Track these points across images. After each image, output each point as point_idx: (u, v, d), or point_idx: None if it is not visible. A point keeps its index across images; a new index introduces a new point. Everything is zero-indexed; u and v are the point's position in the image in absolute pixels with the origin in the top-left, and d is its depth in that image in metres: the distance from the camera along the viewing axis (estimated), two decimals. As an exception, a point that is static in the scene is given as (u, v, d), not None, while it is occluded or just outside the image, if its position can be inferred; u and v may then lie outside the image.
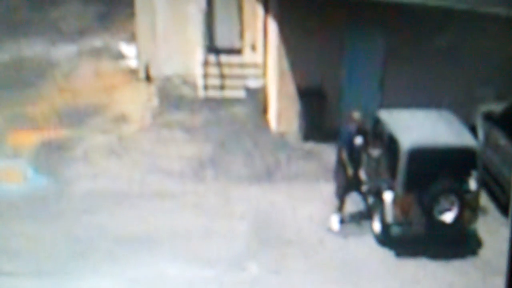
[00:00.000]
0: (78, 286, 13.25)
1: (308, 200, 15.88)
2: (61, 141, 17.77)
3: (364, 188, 15.14)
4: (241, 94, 19.76)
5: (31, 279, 13.35)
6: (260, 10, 20.05)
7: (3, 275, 13.42)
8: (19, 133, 18.01)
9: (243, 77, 20.06)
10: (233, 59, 20.62)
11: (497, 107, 16.86)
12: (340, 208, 15.05)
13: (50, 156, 17.14)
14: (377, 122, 15.17)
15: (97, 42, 23.31)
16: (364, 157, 15.08)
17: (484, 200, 15.37)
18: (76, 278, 13.38)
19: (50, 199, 15.62)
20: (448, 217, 14.07)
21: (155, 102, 20.05)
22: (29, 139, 17.70)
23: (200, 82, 20.50)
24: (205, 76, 20.40)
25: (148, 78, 21.06)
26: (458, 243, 14.57)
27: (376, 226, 14.64)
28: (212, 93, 20.33)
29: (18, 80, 20.62)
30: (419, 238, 14.39)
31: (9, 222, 14.75)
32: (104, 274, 13.50)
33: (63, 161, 16.98)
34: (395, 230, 14.26)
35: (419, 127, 14.60)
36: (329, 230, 14.96)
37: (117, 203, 15.55)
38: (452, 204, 14.02)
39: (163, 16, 20.74)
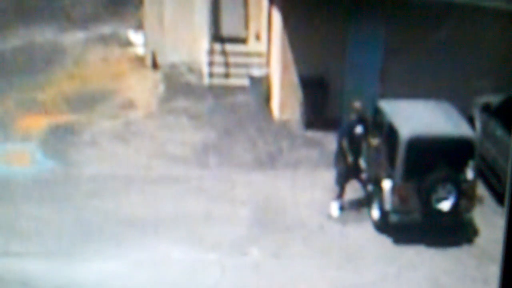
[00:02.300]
0: (84, 268, 13.50)
1: (309, 187, 16.07)
2: (70, 126, 17.96)
3: (364, 176, 15.38)
4: (245, 82, 19.92)
5: (38, 260, 13.63)
6: (264, 0, 20.23)
7: (11, 255, 13.71)
8: (28, 117, 18.19)
9: (247, 65, 20.18)
10: (238, 48, 20.73)
11: (494, 99, 16.99)
12: (340, 195, 15.27)
13: (59, 140, 17.33)
14: (377, 112, 15.34)
15: (105, 29, 23.32)
16: (364, 146, 15.30)
17: (481, 189, 15.52)
18: (82, 259, 13.65)
19: (58, 182, 15.84)
20: (445, 205, 14.27)
21: (161, 89, 20.19)
22: (38, 124, 17.89)
23: (205, 70, 20.62)
24: (211, 64, 20.53)
25: (154, 65, 21.19)
26: (455, 231, 14.77)
27: (375, 213, 14.86)
28: (217, 81, 20.46)
29: (28, 66, 20.69)
30: (416, 226, 14.58)
31: (18, 205, 14.97)
32: (110, 256, 13.78)
33: (71, 146, 17.18)
34: (394, 218, 14.47)
35: (418, 117, 14.79)
36: (329, 216, 15.17)
37: (123, 187, 15.79)
38: (449, 192, 14.21)
39: (170, 5, 20.85)
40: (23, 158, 16.82)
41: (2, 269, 13.41)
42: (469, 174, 14.36)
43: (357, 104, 15.17)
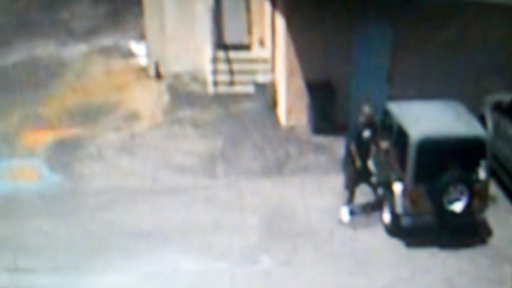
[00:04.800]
0: (94, 281, 13.40)
1: (319, 193, 15.98)
2: (75, 140, 17.90)
3: (374, 179, 15.23)
4: (250, 89, 19.87)
5: (47, 275, 13.53)
6: (267, 5, 20.11)
7: (20, 271, 13.60)
8: (33, 132, 18.15)
9: (252, 72, 20.15)
10: (242, 54, 20.71)
11: (505, 97, 16.85)
12: (350, 200, 15.16)
13: (64, 154, 17.28)
14: (386, 114, 15.22)
15: (107, 41, 23.38)
16: (373, 149, 15.15)
17: (494, 189, 15.41)
18: (91, 273, 13.55)
19: (65, 196, 15.76)
20: (457, 206, 14.13)
21: (165, 99, 20.16)
22: (43, 138, 17.85)
23: (209, 78, 20.60)
24: (215, 72, 20.50)
25: (158, 75, 21.18)
26: (468, 232, 14.64)
27: (386, 217, 14.74)
28: (222, 89, 20.43)
29: (31, 81, 20.71)
30: (429, 228, 14.46)
31: (26, 220, 14.90)
32: (119, 269, 13.68)
33: (77, 159, 17.12)
34: (405, 221, 14.34)
35: (427, 118, 14.61)
36: (340, 221, 15.07)
37: (130, 199, 15.70)
38: (461, 193, 14.07)
39: (171, 14, 20.82)
40: (30, 173, 16.74)
41: (12, 285, 13.30)
42: (482, 174, 14.19)
43: (366, 109, 15.02)
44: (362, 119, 14.99)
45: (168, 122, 19.00)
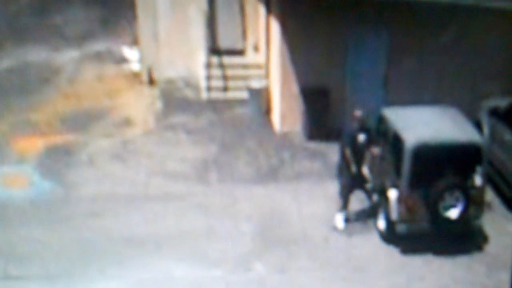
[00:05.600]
0: (86, 289, 13.32)
1: (313, 199, 15.91)
2: (66, 146, 17.79)
3: (369, 186, 15.15)
4: (244, 95, 19.77)
5: (39, 282, 13.41)
6: (262, 10, 20.04)
7: (11, 279, 13.48)
8: (24, 139, 18.03)
9: (246, 78, 20.06)
10: (236, 60, 20.62)
11: (502, 102, 16.85)
12: (344, 207, 15.08)
13: (55, 161, 17.17)
14: (381, 120, 15.16)
15: (99, 46, 23.28)
16: (367, 155, 15.07)
17: (490, 195, 15.37)
18: (83, 281, 13.45)
19: (56, 203, 15.65)
20: (453, 213, 14.07)
21: (158, 105, 20.07)
22: (34, 145, 17.73)
23: (203, 84, 20.51)
24: (208, 78, 20.40)
25: (151, 81, 21.07)
26: (464, 239, 14.58)
27: (381, 223, 14.67)
28: (215, 95, 20.34)
29: (22, 86, 20.63)
30: (424, 235, 14.39)
31: (16, 227, 14.78)
32: (111, 276, 13.57)
33: (68, 166, 17.01)
34: (401, 227, 14.28)
35: (423, 124, 14.56)
36: (334, 228, 14.99)
37: (122, 206, 15.60)
38: (457, 200, 14.03)
39: (165, 19, 20.74)
40: (20, 180, 16.62)
41: (2, 294, 13.23)
42: (477, 180, 14.15)
43: (357, 113, 14.96)
44: (355, 123, 14.93)
45: (161, 128, 18.90)
